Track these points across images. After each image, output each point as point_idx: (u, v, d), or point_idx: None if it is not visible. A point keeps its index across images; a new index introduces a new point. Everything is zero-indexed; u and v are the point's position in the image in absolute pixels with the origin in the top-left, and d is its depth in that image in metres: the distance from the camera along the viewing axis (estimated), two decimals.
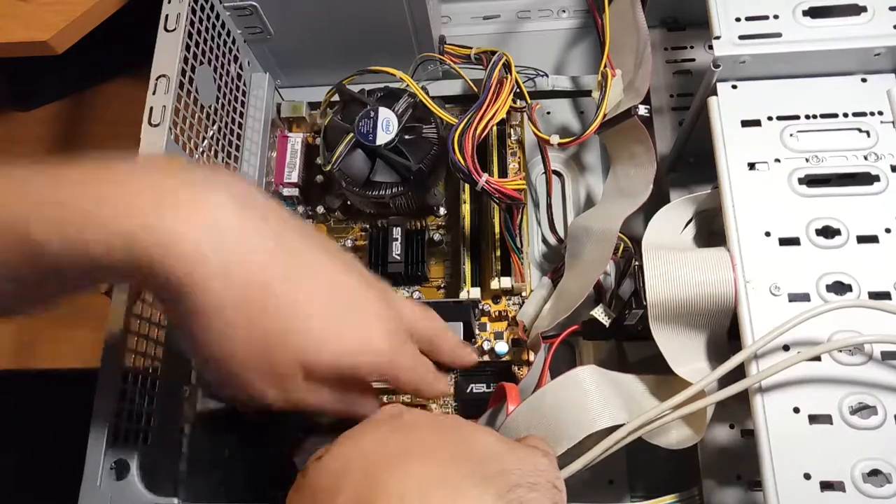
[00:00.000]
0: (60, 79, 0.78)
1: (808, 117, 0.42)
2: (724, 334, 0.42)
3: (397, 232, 0.55)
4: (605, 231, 0.46)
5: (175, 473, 0.46)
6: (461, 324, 0.49)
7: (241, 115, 0.58)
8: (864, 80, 0.43)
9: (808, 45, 0.42)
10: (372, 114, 0.54)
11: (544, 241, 0.59)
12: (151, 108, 0.47)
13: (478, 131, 0.48)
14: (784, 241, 0.40)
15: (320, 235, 0.37)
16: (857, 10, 0.43)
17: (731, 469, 0.46)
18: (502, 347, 0.54)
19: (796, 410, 0.36)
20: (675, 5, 0.60)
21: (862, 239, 0.39)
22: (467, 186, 0.56)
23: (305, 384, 0.34)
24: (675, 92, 0.58)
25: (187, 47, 0.49)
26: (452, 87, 0.61)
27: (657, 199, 0.47)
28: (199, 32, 0.51)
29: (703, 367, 0.42)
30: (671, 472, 0.48)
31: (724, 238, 0.41)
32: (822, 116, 0.42)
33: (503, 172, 0.55)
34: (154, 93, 0.47)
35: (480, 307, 0.54)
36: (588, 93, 0.59)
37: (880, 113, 0.42)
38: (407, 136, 0.55)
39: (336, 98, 0.58)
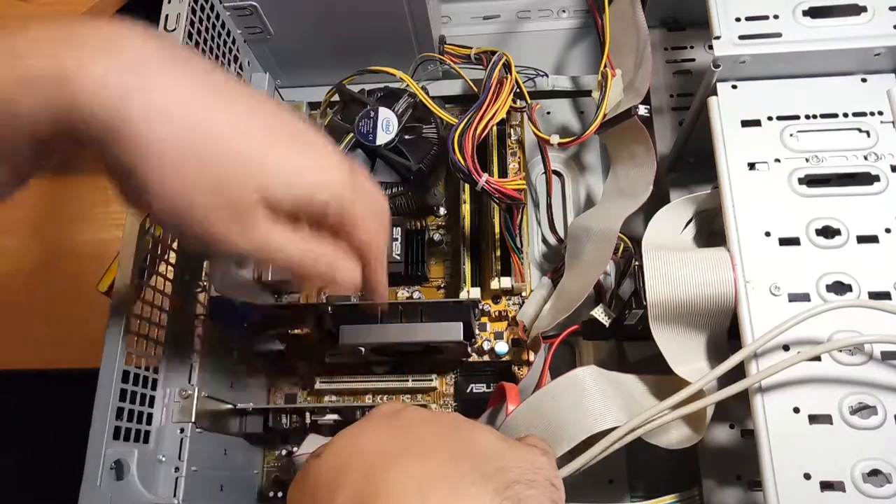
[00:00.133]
0: None
1: (808, 117, 0.42)
2: (724, 334, 0.42)
3: (397, 232, 0.55)
4: (605, 231, 0.46)
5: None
6: (461, 324, 0.49)
7: None
8: (864, 80, 0.43)
9: (808, 45, 0.42)
10: (372, 114, 0.54)
11: (544, 241, 0.59)
12: None
13: (478, 131, 0.48)
14: (784, 241, 0.40)
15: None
16: (857, 10, 0.43)
17: (731, 469, 0.46)
18: (502, 347, 0.54)
19: (796, 410, 0.36)
20: (675, 5, 0.60)
21: (862, 239, 0.39)
22: (467, 186, 0.56)
23: (266, 221, 0.32)
24: (675, 92, 0.58)
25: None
26: (452, 87, 0.61)
27: (657, 199, 0.47)
28: (199, 32, 0.51)
29: (703, 367, 0.42)
30: (671, 472, 0.48)
31: (724, 238, 0.41)
32: (822, 116, 0.42)
33: (503, 172, 0.55)
34: None
35: (480, 307, 0.54)
36: (588, 93, 0.59)
37: (880, 113, 0.42)
38: (407, 136, 0.55)
39: (336, 98, 0.58)
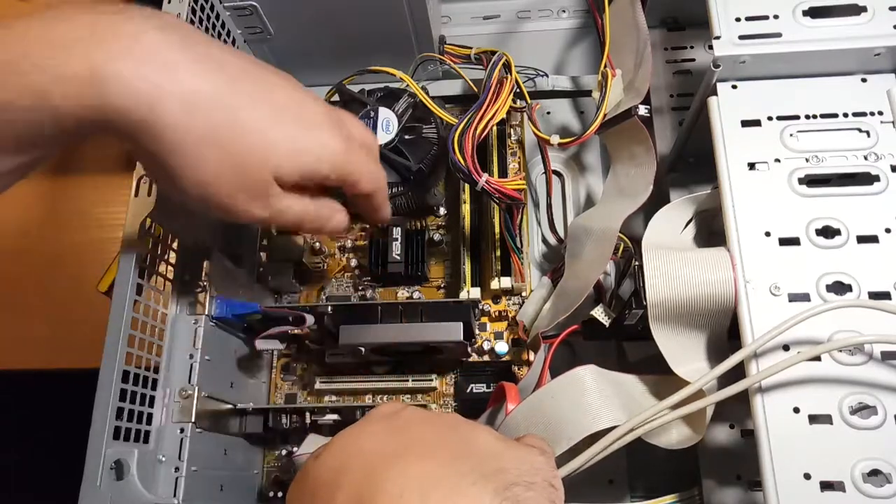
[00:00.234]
0: None
1: (808, 117, 0.42)
2: (724, 334, 0.42)
3: (397, 232, 0.55)
4: (605, 231, 0.46)
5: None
6: (461, 324, 0.49)
7: None
8: (864, 80, 0.43)
9: (808, 45, 0.42)
10: (372, 114, 0.54)
11: (544, 241, 0.59)
12: None
13: (478, 131, 0.48)
14: (784, 241, 0.40)
15: (260, 61, 0.40)
16: (857, 10, 0.43)
17: (731, 469, 0.46)
18: (502, 347, 0.54)
19: (796, 410, 0.36)
20: (675, 5, 0.60)
21: (862, 239, 0.39)
22: (467, 186, 0.56)
23: (282, 193, 0.38)
24: (675, 92, 0.59)
25: None
26: (452, 87, 0.61)
27: (657, 199, 0.47)
28: None
29: (703, 367, 0.42)
30: (671, 472, 0.48)
31: (724, 238, 0.41)
32: (822, 116, 0.42)
33: (503, 172, 0.55)
34: None
35: (480, 307, 0.54)
36: (588, 93, 0.59)
37: (880, 113, 0.42)
38: (407, 136, 0.55)
39: (336, 98, 0.58)
